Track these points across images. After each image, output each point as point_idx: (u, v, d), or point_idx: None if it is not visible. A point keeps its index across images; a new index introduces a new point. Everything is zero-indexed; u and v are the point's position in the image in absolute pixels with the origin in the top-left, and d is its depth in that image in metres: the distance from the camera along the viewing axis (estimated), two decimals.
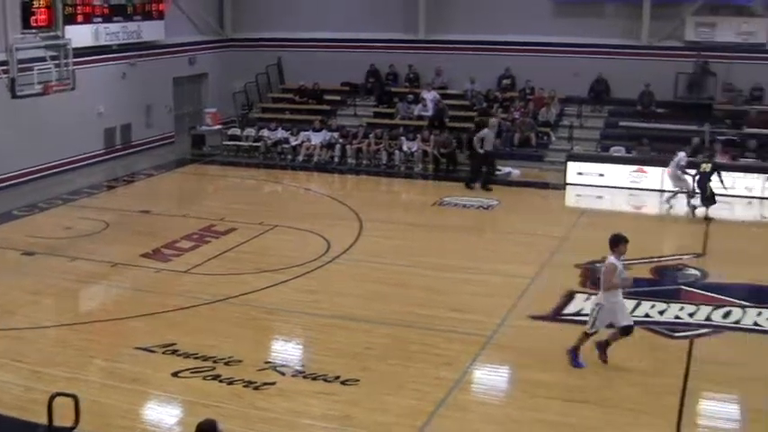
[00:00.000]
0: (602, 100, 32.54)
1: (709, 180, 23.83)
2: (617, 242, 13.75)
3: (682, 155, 24.95)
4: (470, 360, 13.93)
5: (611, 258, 13.60)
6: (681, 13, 31.89)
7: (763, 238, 22.99)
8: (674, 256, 20.35)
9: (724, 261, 20.06)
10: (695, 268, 19.43)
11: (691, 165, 24.78)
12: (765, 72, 31.11)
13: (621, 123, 31.13)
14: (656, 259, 19.87)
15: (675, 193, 25.07)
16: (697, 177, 24.07)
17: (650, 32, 31.97)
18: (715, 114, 31.11)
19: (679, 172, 24.80)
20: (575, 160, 28.13)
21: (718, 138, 29.12)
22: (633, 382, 13.27)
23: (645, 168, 27.45)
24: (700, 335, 15.51)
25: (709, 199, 23.82)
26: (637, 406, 12.47)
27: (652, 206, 26.00)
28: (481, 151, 27.24)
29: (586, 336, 13.83)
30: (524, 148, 30.63)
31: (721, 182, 23.93)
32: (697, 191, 24.10)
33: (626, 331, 13.63)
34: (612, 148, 29.21)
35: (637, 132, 29.89)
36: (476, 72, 33.16)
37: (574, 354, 13.82)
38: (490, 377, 13.77)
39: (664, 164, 26.25)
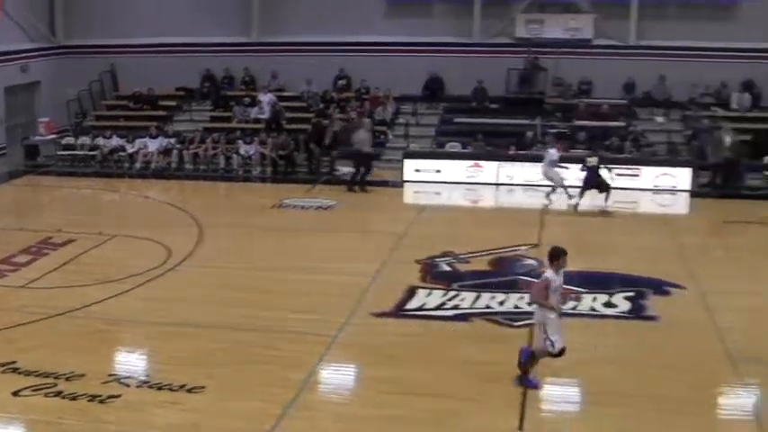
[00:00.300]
0: (436, 97, 33.06)
1: (598, 173, 24.53)
2: (557, 255, 12.80)
3: (553, 151, 25.53)
4: (316, 360, 13.93)
5: (548, 273, 12.75)
6: (510, 11, 32.70)
7: (595, 226, 23.74)
8: (511, 247, 20.79)
9: None
10: (532, 258, 19.93)
11: (564, 159, 25.51)
12: (592, 66, 32.20)
13: (456, 120, 31.72)
14: (494, 251, 20.28)
15: (553, 188, 25.60)
16: (585, 172, 24.76)
17: (481, 30, 32.67)
18: (546, 108, 32.03)
19: (550, 168, 25.38)
20: (411, 158, 28.52)
21: (550, 131, 29.97)
22: (476, 372, 13.48)
23: (480, 163, 28.02)
24: None
25: (603, 190, 24.57)
26: (480, 396, 12.67)
27: (489, 199, 26.54)
28: (365, 150, 27.32)
29: (552, 356, 13.01)
30: None
31: (609, 172, 24.79)
32: (571, 186, 24.81)
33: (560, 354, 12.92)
34: (448, 145, 29.74)
35: (471, 128, 30.50)
36: (311, 73, 33.26)
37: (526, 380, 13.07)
38: (336, 376, 13.79)
39: (498, 158, 26.86)
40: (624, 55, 32.26)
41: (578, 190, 24.77)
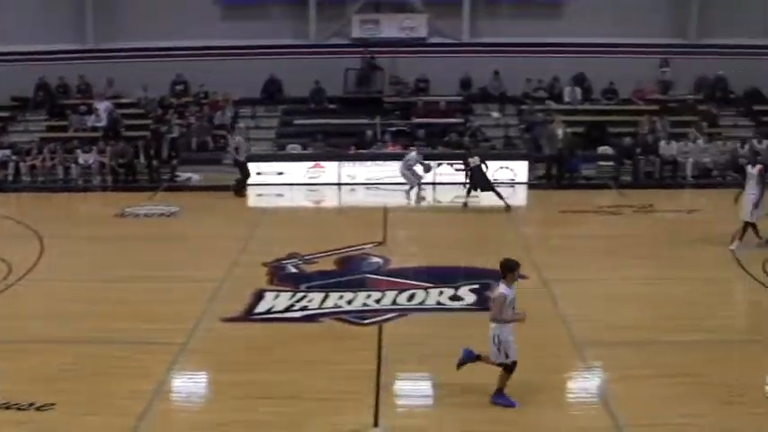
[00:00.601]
0: (275, 99, 33.02)
1: (482, 171, 24.85)
2: (511, 268, 12.48)
3: (412, 154, 25.80)
4: (167, 369, 13.78)
5: (502, 287, 12.39)
6: (346, 12, 32.94)
7: (438, 221, 24.16)
8: (356, 246, 20.95)
9: (404, 246, 21.00)
10: (378, 256, 20.14)
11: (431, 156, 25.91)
12: (428, 64, 32.70)
13: (296, 121, 31.77)
14: (339, 251, 20.42)
15: (411, 187, 25.82)
16: (469, 172, 25.12)
17: (318, 31, 32.81)
18: (385, 107, 32.36)
19: (406, 170, 25.64)
20: (253, 161, 28.42)
21: (389, 129, 30.32)
22: (329, 372, 13.54)
23: (322, 164, 28.15)
24: (388, 319, 16.07)
25: (487, 188, 24.95)
26: (335, 395, 12.73)
27: (332, 200, 26.69)
28: (240, 157, 27.00)
29: (506, 369, 12.58)
30: (202, 152, 30.61)
31: (486, 168, 25.27)
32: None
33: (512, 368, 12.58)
34: (289, 146, 29.79)
35: (311, 129, 30.63)
36: (148, 79, 32.75)
37: (501, 398, 12.61)
38: (188, 384, 13.65)
39: (339, 158, 27.04)
40: (459, 52, 32.91)
41: (465, 190, 25.20)
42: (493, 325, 12.49)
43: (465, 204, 25.19)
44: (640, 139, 29.91)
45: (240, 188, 27.05)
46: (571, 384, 13.54)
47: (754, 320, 16.65)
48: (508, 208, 24.73)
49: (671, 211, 25.73)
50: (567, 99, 32.53)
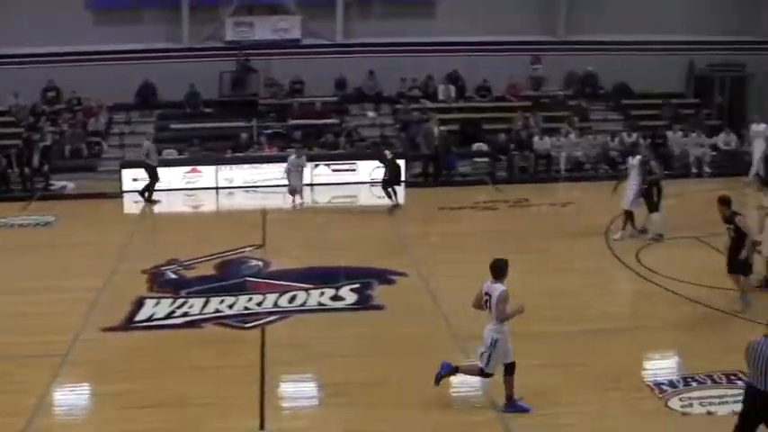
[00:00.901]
0: (150, 104, 32.62)
1: (396, 167, 25.00)
2: (504, 267, 12.68)
3: (292, 158, 25.50)
4: (48, 383, 13.54)
5: (501, 287, 12.44)
6: (219, 15, 32.73)
7: (317, 222, 24.23)
8: (235, 249, 20.88)
9: (283, 248, 21.03)
10: (257, 259, 20.13)
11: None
12: (303, 65, 32.73)
13: (172, 126, 31.44)
14: (218, 255, 20.31)
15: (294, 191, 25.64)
16: (386, 168, 25.32)
17: (191, 35, 32.52)
18: (260, 109, 32.27)
19: (290, 172, 25.45)
20: (129, 167, 28.05)
21: (265, 132, 30.30)
22: (213, 377, 13.52)
23: (198, 168, 27.95)
24: (270, 322, 16.09)
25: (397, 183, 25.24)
26: (220, 400, 12.70)
27: (210, 204, 26.53)
28: (151, 162, 26.55)
29: (482, 373, 12.62)
30: (76, 159, 30.09)
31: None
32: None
33: (512, 369, 12.51)
34: (165, 152, 29.43)
35: (187, 134, 30.36)
36: (19, 86, 31.94)
37: (514, 407, 12.40)
38: (71, 397, 13.43)
39: (216, 162, 26.91)
40: (333, 53, 33.00)
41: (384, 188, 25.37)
42: (493, 326, 12.38)
43: (395, 206, 25.21)
44: (514, 135, 30.46)
45: (150, 193, 26.65)
46: (454, 379, 13.73)
47: (630, 309, 17.25)
48: (396, 207, 24.94)
49: (546, 204, 26.30)
50: (441, 97, 32.90)
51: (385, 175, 25.33)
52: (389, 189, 25.15)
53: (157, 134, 31.27)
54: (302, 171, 25.84)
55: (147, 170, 26.74)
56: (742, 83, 35.89)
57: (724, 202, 17.10)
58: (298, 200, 25.50)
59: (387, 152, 25.82)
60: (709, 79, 35.53)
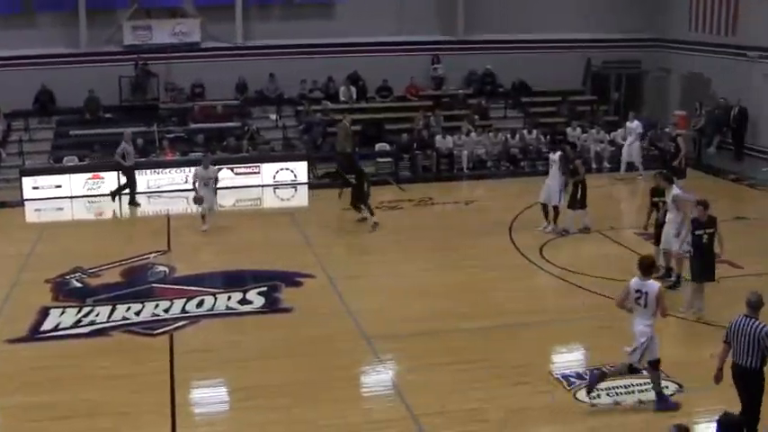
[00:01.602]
0: (48, 111, 32.06)
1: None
2: (653, 264, 13.33)
3: (199, 170, 23.39)
4: None
5: (655, 282, 12.83)
6: (117, 18, 32.30)
7: (222, 226, 24.06)
8: (141, 256, 20.68)
9: (189, 253, 20.93)
10: (163, 264, 19.98)
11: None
12: (203, 69, 32.53)
13: (72, 132, 30.95)
14: (123, 262, 20.12)
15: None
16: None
17: (89, 39, 32.01)
18: (161, 114, 31.96)
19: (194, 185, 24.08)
20: (29, 175, 27.54)
21: (167, 136, 30.04)
22: (123, 385, 13.42)
23: (100, 174, 27.56)
24: (178, 328, 16.03)
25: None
26: (131, 408, 12.64)
27: (113, 210, 26.19)
28: (127, 164, 26.07)
29: (630, 369, 12.80)
30: None
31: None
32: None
33: (658, 364, 12.72)
34: (66, 159, 28.97)
35: (88, 140, 29.90)
36: None
37: (664, 403, 12.68)
38: None
39: (117, 168, 26.58)
40: (233, 56, 32.83)
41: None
42: (649, 322, 12.58)
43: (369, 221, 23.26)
44: (416, 134, 30.65)
45: (132, 196, 26.13)
46: (365, 379, 13.90)
47: (536, 303, 17.48)
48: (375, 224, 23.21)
49: (450, 202, 26.55)
50: (342, 98, 32.94)
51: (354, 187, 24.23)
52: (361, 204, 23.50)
53: (57, 141, 30.77)
54: (214, 184, 23.29)
55: (123, 172, 26.36)
56: (637, 79, 36.79)
57: (665, 177, 18.02)
58: (206, 224, 22.86)
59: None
60: (605, 76, 36.31)
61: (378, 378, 13.91)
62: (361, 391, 13.53)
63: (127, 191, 26.48)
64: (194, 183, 23.21)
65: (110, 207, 26.31)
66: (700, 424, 11.70)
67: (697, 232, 16.02)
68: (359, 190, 23.25)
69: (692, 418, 11.97)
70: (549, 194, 21.85)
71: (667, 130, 29.40)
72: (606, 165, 30.40)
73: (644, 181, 26.53)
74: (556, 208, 21.94)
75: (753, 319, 11.03)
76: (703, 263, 16.10)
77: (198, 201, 22.83)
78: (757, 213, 24.02)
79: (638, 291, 12.59)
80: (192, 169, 24.65)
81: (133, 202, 26.36)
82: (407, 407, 12.66)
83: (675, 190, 17.75)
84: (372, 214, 22.84)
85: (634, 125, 28.83)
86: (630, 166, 28.74)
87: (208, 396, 13.38)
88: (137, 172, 26.68)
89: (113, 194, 26.41)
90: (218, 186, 23.40)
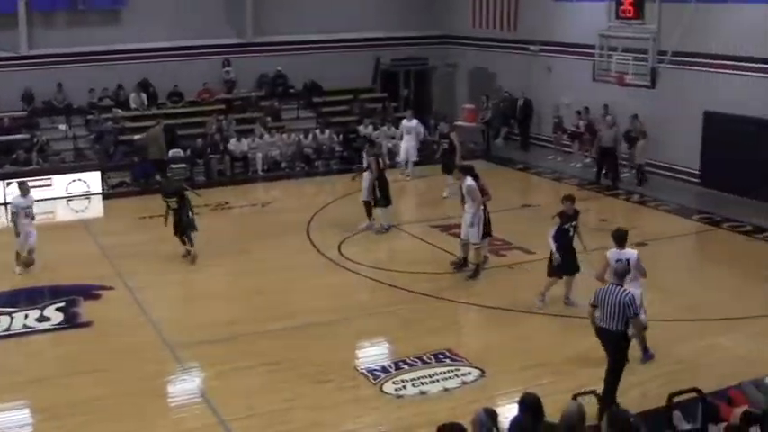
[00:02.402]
0: None
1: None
2: (626, 235, 14.39)
3: (17, 198, 20.54)
4: None
5: (632, 250, 14.39)
6: None
7: (14, 242, 23.45)
8: None
9: None
10: None
11: None
12: None
13: None
14: None
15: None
16: None
17: None
18: None
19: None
20: None
21: None
22: None
23: None
24: None
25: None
26: None
27: None
28: None
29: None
30: None
31: None
32: None
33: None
34: None
35: None
36: None
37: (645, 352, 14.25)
38: None
39: None
40: (18, 66, 31.87)
41: None
42: (639, 282, 14.15)
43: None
44: (210, 138, 30.55)
45: None
46: (171, 388, 13.91)
47: (338, 301, 17.74)
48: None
49: (246, 205, 26.64)
50: (133, 106, 32.42)
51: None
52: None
53: None
54: (29, 214, 20.18)
55: None
56: (425, 75, 37.86)
57: (461, 169, 18.98)
58: (19, 268, 19.98)
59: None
60: (394, 74, 37.17)
61: (184, 387, 13.95)
62: (168, 402, 13.53)
63: None
64: (14, 217, 19.97)
65: None
66: (503, 405, 12.26)
67: (565, 226, 16.62)
68: (181, 216, 20.57)
69: (496, 401, 12.55)
70: (364, 192, 22.29)
71: (441, 127, 29.56)
72: (399, 160, 31.12)
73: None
74: (367, 203, 22.39)
75: (617, 287, 12.15)
76: (570, 254, 16.71)
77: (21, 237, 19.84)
78: (544, 200, 25.15)
79: (618, 260, 13.49)
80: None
81: None
82: (216, 413, 12.76)
83: (468, 181, 18.43)
84: (192, 245, 20.53)
85: (413, 124, 28.75)
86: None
87: (8, 420, 13.00)
88: None
89: None
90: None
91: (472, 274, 18.52)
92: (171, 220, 20.55)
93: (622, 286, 12.28)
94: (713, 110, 25.50)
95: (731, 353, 14.46)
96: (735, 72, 24.83)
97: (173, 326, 16.23)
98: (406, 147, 28.73)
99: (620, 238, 14.15)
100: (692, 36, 24.41)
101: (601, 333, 12.39)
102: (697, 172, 26.48)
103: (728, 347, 14.68)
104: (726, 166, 25.01)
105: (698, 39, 25.00)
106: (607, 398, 11.96)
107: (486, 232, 18.79)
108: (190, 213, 20.63)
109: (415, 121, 28.97)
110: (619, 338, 12.25)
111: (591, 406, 9.24)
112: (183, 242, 20.60)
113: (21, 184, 20.83)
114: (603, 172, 27.33)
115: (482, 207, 18.45)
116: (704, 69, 25.61)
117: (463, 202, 18.66)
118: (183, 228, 20.46)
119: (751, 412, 10.27)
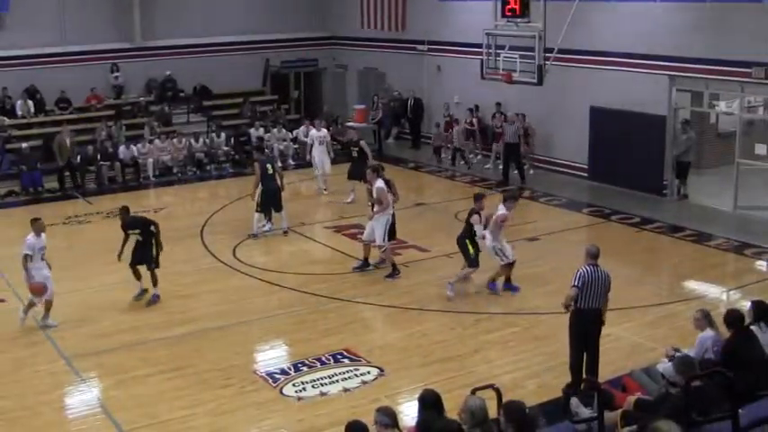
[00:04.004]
0: None
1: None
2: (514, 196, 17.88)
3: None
4: None
5: (503, 209, 17.10)
6: None
7: None
8: None
9: None
10: None
11: None
12: None
13: None
14: None
15: None
16: None
17: None
18: None
19: None
20: None
21: None
22: None
23: None
24: None
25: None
26: None
27: None
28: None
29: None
30: None
31: None
32: None
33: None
34: None
35: None
36: None
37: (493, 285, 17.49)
38: None
39: None
40: None
41: None
42: (492, 238, 16.99)
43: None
44: (100, 145, 30.13)
45: None
46: (69, 400, 13.74)
47: (234, 305, 17.72)
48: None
49: (139, 211, 26.05)
50: (19, 113, 31.79)
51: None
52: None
53: None
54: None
55: None
56: (316, 77, 37.98)
57: (373, 170, 19.23)
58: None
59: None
60: (284, 75, 37.20)
61: (82, 398, 13.79)
62: (67, 414, 13.37)
63: None
64: (26, 260, 16.76)
65: None
66: (402, 404, 12.43)
67: (472, 220, 17.10)
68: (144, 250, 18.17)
69: (395, 399, 12.73)
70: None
71: (349, 134, 28.68)
72: (291, 162, 31.15)
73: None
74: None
75: (598, 267, 12.59)
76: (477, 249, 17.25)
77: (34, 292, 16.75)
78: (435, 198, 25.46)
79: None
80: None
81: None
82: (116, 424, 12.67)
83: (379, 183, 18.64)
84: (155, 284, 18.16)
85: (322, 133, 27.62)
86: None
87: None
88: None
89: None
90: None
91: (390, 273, 18.71)
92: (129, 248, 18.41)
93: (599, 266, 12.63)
94: (598, 105, 26.14)
95: (625, 342, 14.91)
96: (616, 68, 25.52)
97: (68, 336, 16.03)
98: (321, 159, 27.21)
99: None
100: (576, 33, 24.93)
101: (584, 314, 12.61)
102: (585, 166, 27.11)
103: (623, 336, 15.10)
104: (612, 160, 25.70)
105: (581, 36, 25.55)
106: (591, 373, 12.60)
107: (391, 235, 18.97)
108: (154, 249, 18.13)
109: (324, 131, 27.86)
110: (600, 315, 12.72)
111: (491, 401, 9.39)
112: (138, 277, 18.20)
113: (34, 221, 17.14)
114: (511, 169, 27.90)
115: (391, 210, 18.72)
116: (588, 66, 26.27)
117: (371, 203, 18.85)
118: (147, 262, 18.07)
119: (643, 399, 10.65)
